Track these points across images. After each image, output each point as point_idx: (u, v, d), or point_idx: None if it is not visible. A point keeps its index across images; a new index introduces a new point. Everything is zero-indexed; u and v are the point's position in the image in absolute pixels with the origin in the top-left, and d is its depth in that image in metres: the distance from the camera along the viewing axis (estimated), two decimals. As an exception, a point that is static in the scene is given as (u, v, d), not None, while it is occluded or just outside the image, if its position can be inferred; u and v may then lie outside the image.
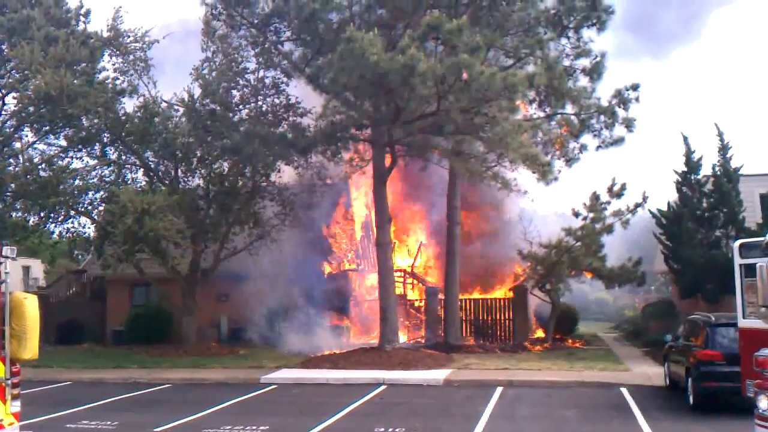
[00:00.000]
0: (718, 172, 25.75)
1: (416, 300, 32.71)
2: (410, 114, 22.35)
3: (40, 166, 27.61)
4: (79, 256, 43.69)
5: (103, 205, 27.82)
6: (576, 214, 28.18)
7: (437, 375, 21.00)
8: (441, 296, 29.94)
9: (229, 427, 14.62)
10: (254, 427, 14.51)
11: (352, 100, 23.04)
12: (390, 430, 14.12)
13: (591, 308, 49.19)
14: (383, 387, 19.86)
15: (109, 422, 15.31)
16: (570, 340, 30.06)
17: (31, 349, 10.28)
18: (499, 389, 18.90)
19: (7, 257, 10.09)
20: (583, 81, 26.19)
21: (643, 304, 36.88)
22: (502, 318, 30.33)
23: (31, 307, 10.27)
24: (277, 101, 27.98)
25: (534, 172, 24.13)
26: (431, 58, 20.33)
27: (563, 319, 30.27)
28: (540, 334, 30.95)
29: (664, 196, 31.69)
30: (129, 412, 16.93)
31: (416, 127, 23.40)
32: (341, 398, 17.92)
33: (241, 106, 28.21)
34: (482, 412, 15.87)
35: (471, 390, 19.23)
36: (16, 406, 10.16)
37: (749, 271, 12.19)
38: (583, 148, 27.38)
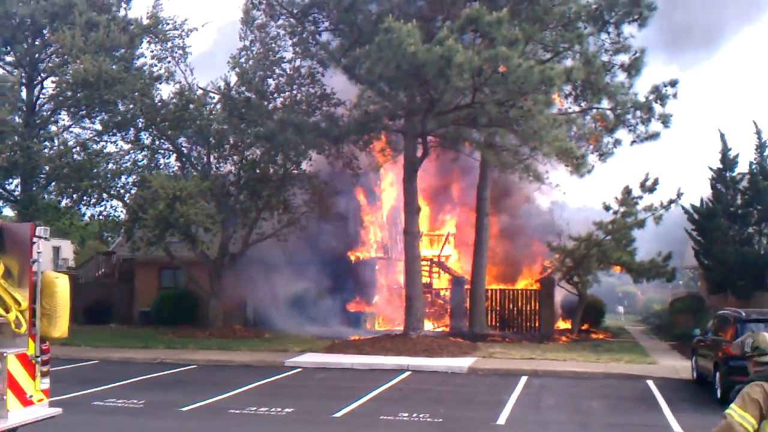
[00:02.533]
0: (755, 170, 25.42)
1: (442, 289, 32.67)
2: (444, 105, 22.30)
3: (74, 150, 27.90)
4: (109, 239, 44.24)
5: (135, 189, 28.09)
6: (607, 208, 27.94)
7: (462, 363, 20.99)
8: (467, 286, 29.90)
9: (254, 408, 14.76)
10: (279, 409, 14.63)
11: (387, 91, 23.00)
12: (414, 415, 14.16)
13: (622, 302, 48.85)
14: (407, 373, 19.91)
15: (135, 401, 15.50)
16: (596, 333, 29.87)
17: (60, 327, 10.39)
18: (524, 378, 18.86)
19: (39, 237, 10.21)
20: (621, 76, 26.02)
21: (671, 298, 36.47)
22: (528, 309, 30.24)
23: (61, 286, 10.37)
24: (312, 91, 28.11)
25: (567, 166, 24.03)
26: (468, 50, 20.20)
27: (590, 311, 30.10)
28: (566, 325, 30.79)
29: (697, 192, 31.36)
30: (155, 391, 17.13)
31: (450, 119, 23.35)
32: (365, 383, 18.01)
33: (276, 95, 28.35)
34: (506, 400, 15.86)
35: (495, 378, 19.22)
36: (45, 383, 10.28)
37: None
38: (617, 143, 27.27)
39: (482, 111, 21.91)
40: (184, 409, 14.74)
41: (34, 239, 10.21)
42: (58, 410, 10.28)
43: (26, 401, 9.98)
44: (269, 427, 13.40)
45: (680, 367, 20.62)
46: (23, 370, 10.02)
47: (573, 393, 17.14)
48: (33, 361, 10.11)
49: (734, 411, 5.67)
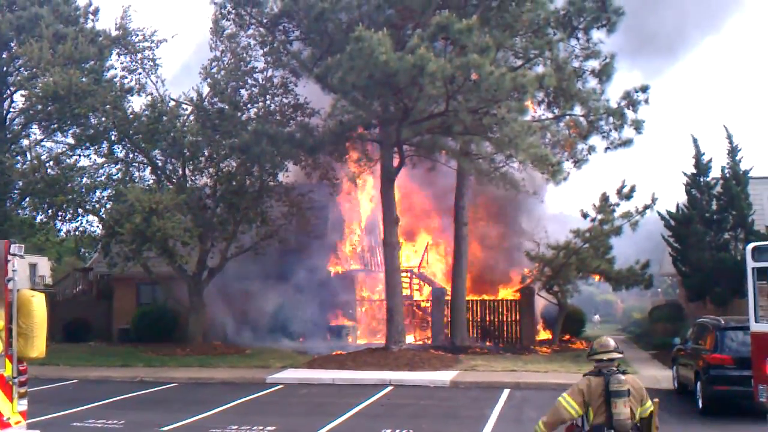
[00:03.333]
0: (728, 175, 25.60)
1: (422, 301, 32.63)
2: (419, 114, 22.25)
3: (47, 164, 27.58)
4: (86, 255, 43.77)
5: (111, 203, 27.81)
6: (584, 216, 28.05)
7: (444, 376, 20.91)
8: (447, 297, 29.87)
9: (236, 426, 14.57)
10: (261, 428, 14.46)
11: (361, 100, 22.94)
12: (397, 431, 14.06)
13: (598, 310, 49.12)
14: (390, 388, 19.78)
15: (115, 421, 15.28)
16: (577, 342, 29.92)
17: (38, 347, 10.24)
18: (507, 391, 18.81)
19: (14, 255, 10.05)
20: (592, 82, 26.13)
21: (650, 306, 36.69)
22: (509, 319, 30.18)
23: (38, 305, 10.23)
24: (285, 101, 28.00)
25: (543, 173, 24.06)
26: (440, 58, 20.23)
27: (570, 320, 30.20)
28: (546, 335, 30.84)
29: (673, 198, 31.73)
30: (135, 410, 16.90)
31: (425, 128, 23.32)
32: (348, 399, 17.87)
33: (249, 106, 28.21)
34: (489, 414, 15.80)
35: (478, 392, 19.16)
36: (23, 405, 10.12)
37: (762, 274, 12.09)
38: (591, 149, 27.25)
39: (456, 119, 21.89)
40: (165, 428, 14.52)
41: (9, 257, 10.05)
42: (36, 432, 10.12)
43: (3, 424, 9.79)
44: (251, 446, 13.26)
45: (661, 377, 20.66)
46: (0, 392, 9.86)
47: (555, 405, 17.09)
48: (10, 383, 9.94)
49: (563, 398, 7.29)
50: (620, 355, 7.49)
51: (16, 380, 10.05)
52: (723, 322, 15.95)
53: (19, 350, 10.02)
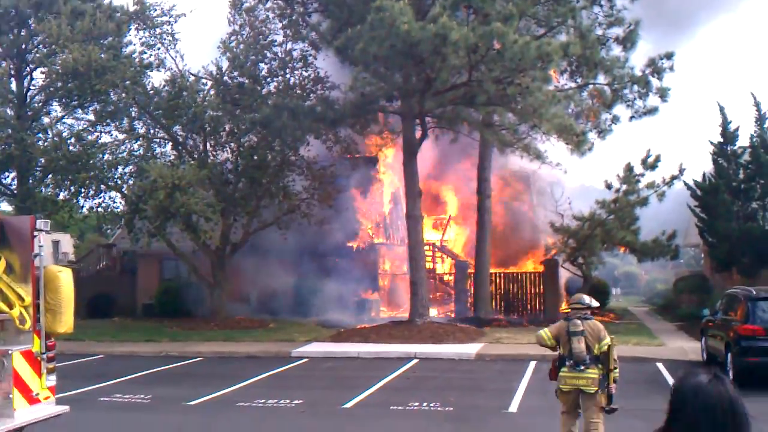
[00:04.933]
0: (756, 143, 25.16)
1: (445, 274, 32.49)
2: (441, 84, 21.93)
3: (69, 141, 27.58)
4: (108, 231, 43.97)
5: (133, 179, 27.84)
6: (608, 186, 27.69)
7: (469, 349, 20.83)
8: (470, 270, 29.72)
9: (263, 400, 14.57)
10: (288, 401, 14.45)
11: (382, 72, 22.67)
12: (425, 404, 13.98)
13: (619, 282, 48.84)
14: (415, 361, 19.72)
15: (142, 395, 15.33)
16: (601, 314, 29.68)
17: (66, 323, 10.19)
18: (533, 363, 18.64)
19: (40, 230, 9.99)
20: (616, 50, 25.75)
21: (674, 278, 36.33)
22: (533, 292, 30.02)
23: (65, 280, 10.17)
24: (305, 74, 27.85)
25: (568, 143, 23.74)
26: (463, 27, 19.88)
27: (595, 292, 29.70)
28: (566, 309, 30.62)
29: (699, 168, 31.27)
30: (161, 385, 16.93)
31: (447, 99, 23.02)
32: (373, 372, 17.83)
33: (269, 79, 28.09)
34: (516, 387, 15.68)
35: (503, 364, 19.05)
36: (51, 380, 10.09)
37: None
38: (615, 119, 26.98)
39: (480, 89, 21.56)
40: (192, 403, 14.55)
41: (35, 233, 10.00)
42: (65, 408, 10.08)
43: (33, 399, 9.78)
44: (279, 419, 13.21)
45: (689, 348, 20.46)
46: (29, 367, 9.81)
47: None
48: (38, 358, 9.90)
49: (544, 330, 9.88)
50: (586, 306, 9.71)
51: (45, 356, 10.02)
52: (755, 293, 15.71)
53: (47, 326, 9.98)
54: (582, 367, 9.32)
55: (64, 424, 10.14)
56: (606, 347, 9.35)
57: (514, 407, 13.84)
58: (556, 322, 9.95)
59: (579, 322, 9.43)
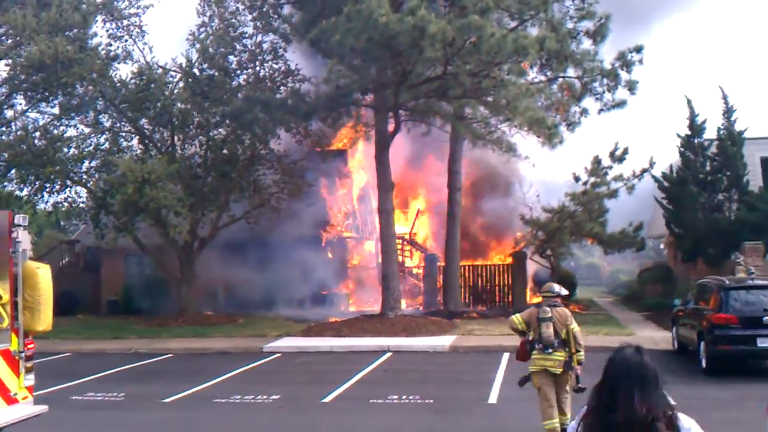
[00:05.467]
0: (723, 135, 25.55)
1: (414, 267, 32.49)
2: (416, 77, 21.87)
3: (34, 135, 26.95)
4: (67, 228, 43.16)
5: (99, 174, 27.34)
6: (576, 179, 27.95)
7: (442, 341, 20.86)
8: (440, 263, 29.78)
9: (239, 396, 14.42)
10: (265, 397, 14.33)
11: (357, 64, 22.48)
12: (404, 397, 13.96)
13: (583, 274, 49.34)
14: (389, 354, 19.69)
15: (115, 393, 15.07)
16: (570, 305, 29.95)
17: (44, 320, 9.98)
18: (506, 355, 18.61)
19: (18, 225, 9.74)
20: (587, 43, 25.98)
21: (638, 269, 36.80)
22: (501, 284, 30.18)
23: (44, 277, 9.97)
24: (275, 67, 27.60)
25: (539, 136, 23.85)
26: (440, 20, 19.83)
27: (562, 284, 30.02)
28: (538, 299, 30.80)
29: (666, 161, 31.60)
30: (134, 383, 16.66)
31: (422, 92, 22.96)
32: (348, 366, 17.75)
33: (239, 72, 27.79)
34: (493, 378, 15.73)
35: (478, 356, 19.10)
36: (30, 380, 9.85)
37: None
38: (584, 112, 27.26)
39: (455, 82, 21.59)
40: (167, 400, 14.35)
41: (13, 228, 9.74)
42: (43, 407, 9.85)
43: (10, 399, 9.53)
44: (259, 415, 13.08)
45: (658, 337, 20.72)
46: (6, 367, 9.55)
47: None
48: (16, 357, 9.67)
49: (515, 316, 10.64)
50: (556, 295, 10.51)
51: (23, 354, 9.78)
52: (727, 282, 15.95)
53: (26, 324, 9.75)
54: (550, 350, 10.14)
55: (40, 423, 9.86)
56: (574, 330, 10.22)
57: (493, 398, 13.90)
58: (526, 311, 10.79)
59: (548, 308, 10.30)
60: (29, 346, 9.93)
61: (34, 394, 10.06)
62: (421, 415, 12.61)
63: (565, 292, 11.03)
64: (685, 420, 3.61)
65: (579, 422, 3.82)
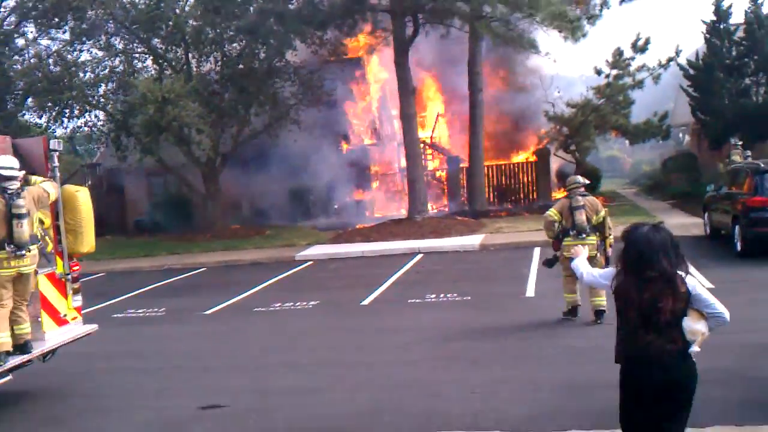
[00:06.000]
0: (751, 18, 24.81)
1: (437, 170, 32.34)
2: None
3: (48, 61, 26.58)
4: (84, 152, 43.06)
5: (116, 97, 27.07)
6: (598, 72, 27.41)
7: (472, 241, 20.92)
8: (462, 165, 29.62)
9: (279, 304, 14.60)
10: (305, 303, 14.49)
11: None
12: (441, 295, 14.08)
13: (604, 167, 49.03)
14: (420, 256, 19.82)
15: (155, 309, 15.32)
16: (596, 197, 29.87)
17: (87, 242, 10.02)
18: (538, 249, 18.66)
19: (54, 150, 9.67)
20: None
21: (661, 158, 36.43)
22: (525, 181, 30.09)
23: (83, 199, 9.94)
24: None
25: (561, 31, 23.20)
26: None
27: (587, 177, 29.83)
28: (561, 194, 30.71)
29: (690, 48, 30.62)
30: (172, 297, 16.89)
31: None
32: (381, 269, 17.89)
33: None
34: (527, 273, 15.77)
35: (509, 252, 19.16)
36: (77, 301, 9.98)
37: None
38: (605, 3, 26.45)
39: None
40: (208, 312, 14.56)
41: (49, 153, 9.70)
42: (93, 327, 10.01)
43: (61, 321, 9.69)
44: (301, 320, 13.25)
45: (689, 223, 20.67)
46: (54, 289, 9.68)
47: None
48: (63, 279, 9.79)
49: (550, 210, 11.48)
50: (582, 185, 11.32)
51: (70, 277, 9.88)
52: (762, 166, 15.73)
53: (69, 246, 9.81)
54: (584, 236, 11.00)
55: (91, 341, 10.03)
56: (602, 218, 11.16)
57: (530, 292, 13.97)
58: (557, 204, 11.57)
59: (580, 198, 11.17)
60: (75, 268, 10.02)
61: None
62: (462, 311, 12.72)
63: (586, 181, 11.69)
64: (690, 280, 4.65)
65: (612, 279, 4.83)
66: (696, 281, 4.71)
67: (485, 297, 13.80)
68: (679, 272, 4.62)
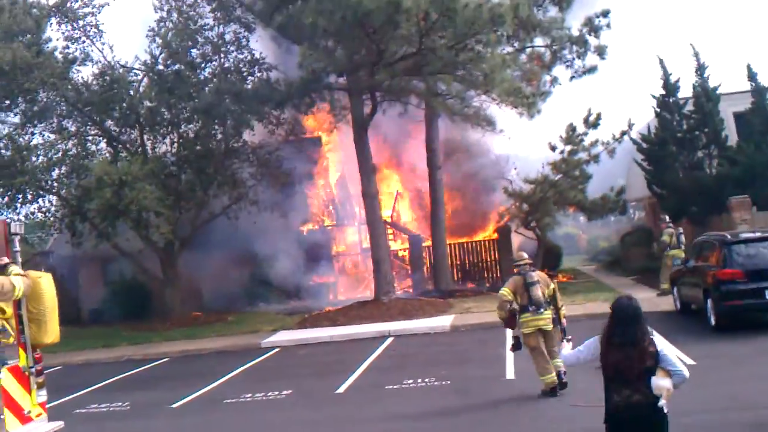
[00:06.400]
0: (699, 92, 25.53)
1: (399, 250, 32.18)
2: (391, 55, 21.47)
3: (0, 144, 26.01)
4: (35, 239, 41.96)
5: (69, 181, 26.49)
6: (553, 148, 27.61)
7: (442, 322, 20.61)
8: (425, 244, 29.52)
9: (250, 395, 14.03)
10: (277, 392, 13.95)
11: (330, 46, 21.94)
12: (419, 380, 13.66)
13: (560, 244, 49.40)
14: (391, 339, 19.38)
15: (119, 403, 14.58)
16: (558, 275, 29.92)
17: (52, 332, 9.50)
18: (510, 330, 18.44)
19: (15, 234, 9.19)
20: (552, 11, 25.77)
21: (619, 234, 36.82)
22: (488, 259, 30.07)
23: (47, 286, 9.40)
24: (240, 57, 27.06)
25: (516, 107, 23.56)
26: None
27: (548, 255, 30.06)
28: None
29: (640, 122, 31.46)
30: (136, 390, 16.16)
31: (397, 70, 22.48)
32: (353, 354, 17.42)
33: (203, 65, 27.16)
34: (504, 353, 15.36)
35: (481, 333, 18.83)
36: (42, 396, 9.34)
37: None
38: (555, 81, 27.15)
39: (432, 57, 21.19)
40: (175, 405, 13.90)
41: (10, 237, 9.21)
42: (59, 424, 9.37)
43: (25, 418, 9.01)
44: (275, 412, 12.67)
45: (657, 299, 20.67)
46: (17, 384, 9.02)
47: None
48: (26, 373, 9.18)
49: (502, 290, 11.78)
50: (530, 261, 12.04)
51: (33, 369, 9.30)
52: (730, 237, 15.84)
53: (33, 337, 9.25)
54: (542, 310, 11.42)
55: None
56: (553, 291, 11.64)
57: (510, 374, 13.64)
58: (509, 281, 11.87)
59: (533, 273, 11.71)
60: (39, 361, 9.46)
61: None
62: (443, 397, 12.31)
63: (530, 260, 12.29)
64: (658, 340, 5.88)
65: (597, 342, 6.02)
66: (663, 343, 5.92)
67: (465, 380, 13.42)
68: (652, 336, 5.86)
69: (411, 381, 13.69)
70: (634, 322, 5.80)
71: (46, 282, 9.38)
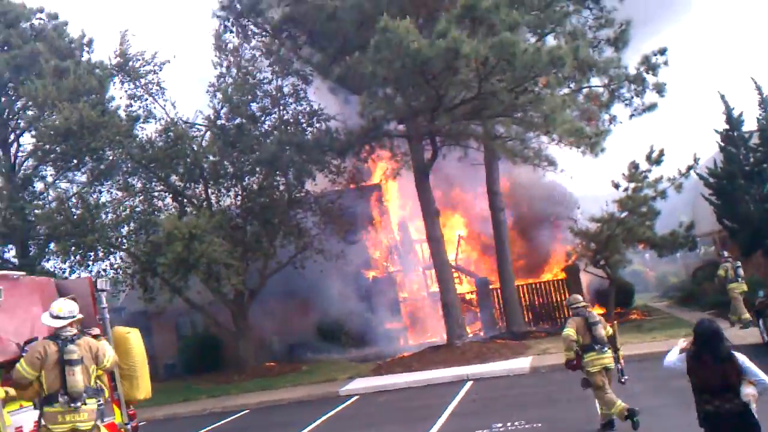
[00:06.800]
0: (764, 125, 25.19)
1: (466, 293, 32.04)
2: (451, 100, 21.66)
3: (70, 204, 26.76)
4: (112, 294, 42.81)
5: (139, 236, 27.06)
6: (616, 186, 27.38)
7: (520, 364, 20.30)
8: (492, 286, 29.37)
9: (337, 444, 13.98)
10: (366, 441, 13.88)
11: (389, 94, 22.23)
12: (509, 424, 13.42)
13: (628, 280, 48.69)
14: (470, 383, 19.15)
15: (208, 457, 14.66)
16: (632, 312, 29.47)
17: (144, 387, 9.53)
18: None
19: (102, 290, 9.40)
20: (608, 51, 25.84)
21: (691, 269, 36.10)
22: (557, 300, 29.74)
23: (135, 341, 9.57)
24: (299, 108, 27.57)
25: (580, 147, 23.54)
26: (472, 40, 19.62)
27: (620, 293, 29.59)
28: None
29: (704, 157, 31.01)
30: (223, 443, 16.25)
31: (457, 114, 22.67)
32: (434, 400, 17.25)
33: (263, 118, 27.71)
34: (590, 394, 15.16)
35: (563, 374, 18.28)
36: (137, 453, 9.41)
37: None
38: (614, 119, 27.10)
39: (493, 101, 21.31)
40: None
41: (97, 294, 9.41)
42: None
43: (122, 474, 9.15)
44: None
45: (741, 333, 20.18)
46: (114, 442, 9.11)
47: (653, 376, 16.40)
48: (122, 430, 9.28)
49: (565, 330, 11.78)
50: (586, 303, 12.15)
51: (129, 426, 9.38)
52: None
53: (125, 393, 9.31)
54: (605, 348, 11.71)
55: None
56: (611, 331, 11.85)
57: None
58: (570, 323, 11.85)
59: (594, 313, 11.92)
60: (133, 417, 9.54)
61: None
62: (538, 440, 12.14)
63: (586, 303, 12.43)
64: (738, 355, 6.75)
65: (684, 359, 7.01)
66: (744, 357, 6.74)
67: (557, 422, 13.18)
68: (733, 352, 6.72)
69: (500, 425, 13.48)
70: (717, 341, 6.78)
71: (134, 337, 9.52)
